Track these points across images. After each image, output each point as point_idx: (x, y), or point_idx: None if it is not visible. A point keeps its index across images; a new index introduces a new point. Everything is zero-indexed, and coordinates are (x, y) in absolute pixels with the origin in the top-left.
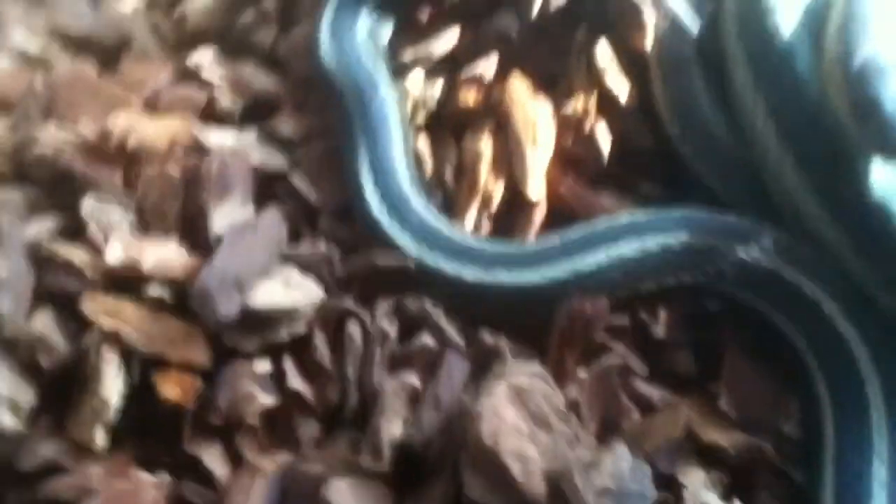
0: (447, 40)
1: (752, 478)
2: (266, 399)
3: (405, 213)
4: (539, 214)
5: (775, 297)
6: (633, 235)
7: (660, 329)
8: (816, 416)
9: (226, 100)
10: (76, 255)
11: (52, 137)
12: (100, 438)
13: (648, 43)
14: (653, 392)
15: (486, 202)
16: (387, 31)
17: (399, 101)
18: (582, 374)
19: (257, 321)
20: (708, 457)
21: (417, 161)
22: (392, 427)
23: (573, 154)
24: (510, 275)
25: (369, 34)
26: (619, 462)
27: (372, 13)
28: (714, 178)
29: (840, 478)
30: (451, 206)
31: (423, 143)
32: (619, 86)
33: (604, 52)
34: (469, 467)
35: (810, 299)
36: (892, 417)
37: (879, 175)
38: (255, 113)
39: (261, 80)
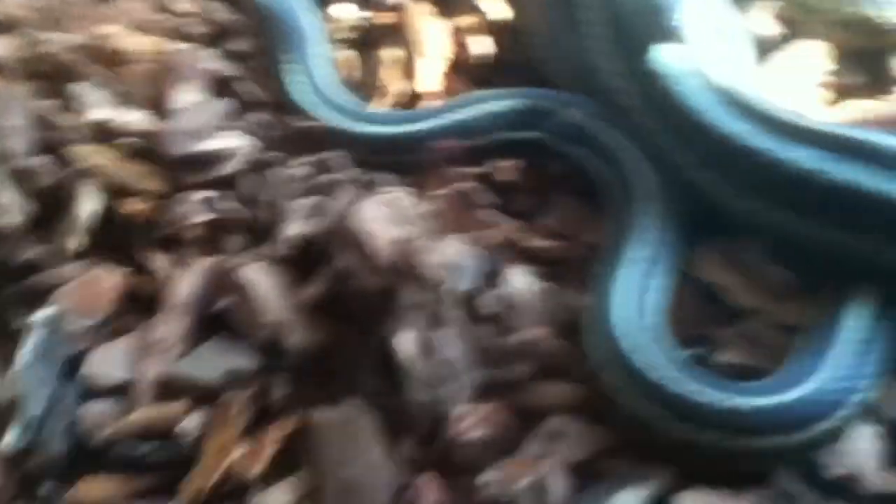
0: None
1: (565, 271)
2: (204, 216)
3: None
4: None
5: (590, 147)
6: (487, 101)
7: (504, 172)
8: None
9: (194, 26)
10: (67, 118)
11: (56, 40)
12: (72, 244)
13: None
14: (497, 217)
15: (392, 95)
16: None
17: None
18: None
19: (201, 162)
20: (530, 255)
21: (344, 65)
22: (292, 227)
23: (464, 61)
24: (394, 128)
25: None
26: (456, 245)
27: None
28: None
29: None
30: (369, 100)
31: (351, 53)
32: (499, 10)
33: None
34: (343, 245)
35: (612, 147)
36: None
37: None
38: (218, 37)
39: (222, 12)
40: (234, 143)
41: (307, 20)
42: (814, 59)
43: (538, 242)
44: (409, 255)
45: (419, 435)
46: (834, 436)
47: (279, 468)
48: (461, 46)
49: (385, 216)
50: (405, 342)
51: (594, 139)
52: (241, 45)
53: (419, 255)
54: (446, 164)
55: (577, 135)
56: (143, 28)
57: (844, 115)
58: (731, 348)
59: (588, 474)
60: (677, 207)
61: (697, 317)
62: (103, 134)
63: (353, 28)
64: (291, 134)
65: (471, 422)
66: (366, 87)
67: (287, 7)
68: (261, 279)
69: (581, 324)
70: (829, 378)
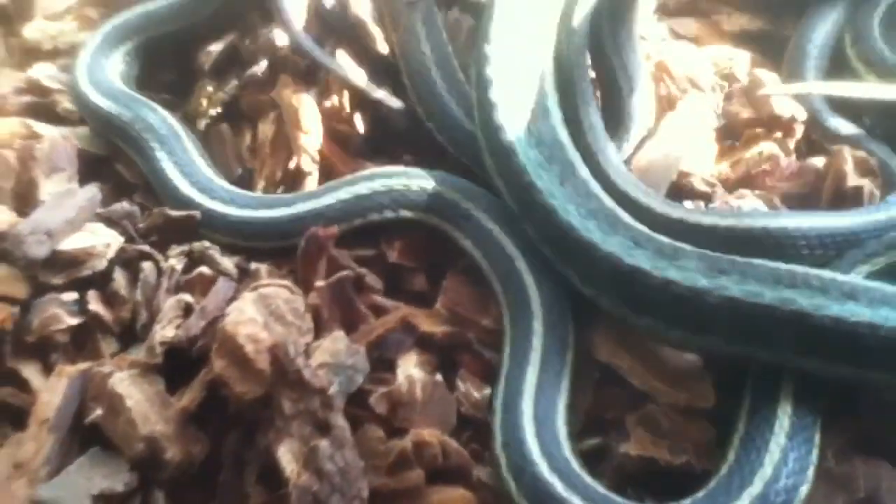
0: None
1: (455, 357)
2: (71, 320)
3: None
4: (313, 180)
5: (465, 228)
6: (376, 180)
7: (393, 254)
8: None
9: (62, 104)
10: None
11: None
12: None
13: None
14: (387, 303)
15: (272, 173)
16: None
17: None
18: (323, 283)
19: (64, 261)
20: (424, 344)
21: (217, 143)
22: (166, 331)
23: (339, 134)
24: (268, 212)
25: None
26: (337, 343)
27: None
28: (449, 146)
29: (511, 351)
30: (249, 178)
31: (225, 130)
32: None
33: (343, 58)
34: (217, 350)
35: (487, 229)
36: (543, 299)
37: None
38: None
39: None
40: (102, 238)
41: (152, 118)
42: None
43: (433, 328)
44: (289, 358)
45: None
46: None
47: None
48: (338, 120)
49: (262, 317)
50: (288, 454)
51: (469, 219)
52: None
53: (300, 358)
54: (329, 247)
55: (453, 214)
56: (6, 108)
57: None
58: (634, 439)
59: None
60: (557, 292)
61: (602, 400)
62: None
63: (223, 103)
64: (167, 224)
65: None
66: (240, 161)
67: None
68: (133, 390)
69: (492, 420)
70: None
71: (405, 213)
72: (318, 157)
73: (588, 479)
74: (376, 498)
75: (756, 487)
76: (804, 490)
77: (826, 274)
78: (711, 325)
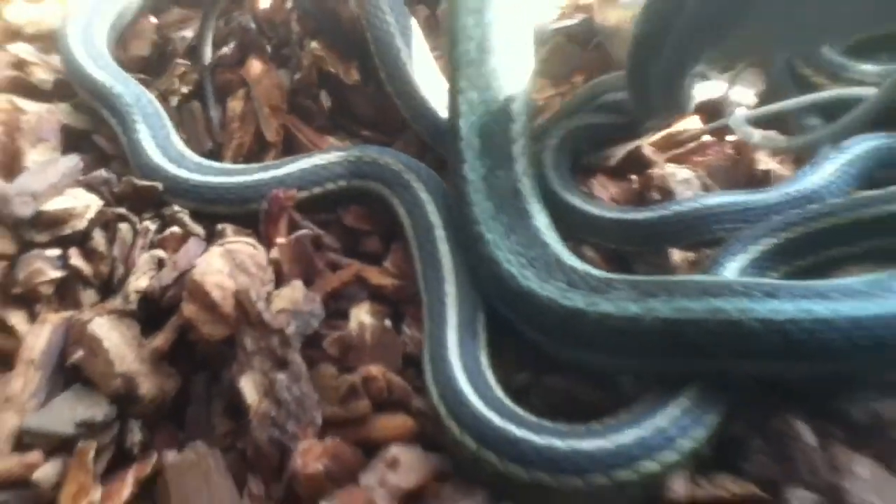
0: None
1: (402, 308)
2: (54, 273)
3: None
4: (277, 152)
5: (402, 196)
6: (330, 153)
7: (349, 219)
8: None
9: (43, 78)
10: None
11: None
12: None
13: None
14: (343, 260)
15: (239, 146)
16: None
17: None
18: (284, 240)
19: (48, 221)
20: (375, 297)
21: (189, 119)
22: (140, 282)
23: (304, 109)
24: (232, 178)
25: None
26: (295, 291)
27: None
28: (406, 113)
29: (426, 289)
30: (219, 151)
31: (196, 107)
32: (337, 65)
33: (316, 45)
34: (187, 297)
35: (420, 199)
36: (455, 265)
37: None
38: (69, 90)
39: None
40: (82, 201)
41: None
42: None
43: (383, 281)
44: (251, 303)
45: (266, 471)
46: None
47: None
48: (305, 98)
49: (228, 268)
50: (250, 385)
51: (407, 189)
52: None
53: (261, 302)
54: (289, 208)
55: (395, 184)
56: None
57: None
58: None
59: (419, 500)
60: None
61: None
62: None
63: (194, 82)
64: (137, 192)
65: (313, 456)
66: (213, 138)
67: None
68: (111, 333)
69: (424, 361)
70: (631, 438)
71: (355, 182)
72: (282, 131)
73: (519, 409)
74: (328, 425)
75: (642, 430)
76: (685, 444)
77: (748, 280)
78: (652, 348)
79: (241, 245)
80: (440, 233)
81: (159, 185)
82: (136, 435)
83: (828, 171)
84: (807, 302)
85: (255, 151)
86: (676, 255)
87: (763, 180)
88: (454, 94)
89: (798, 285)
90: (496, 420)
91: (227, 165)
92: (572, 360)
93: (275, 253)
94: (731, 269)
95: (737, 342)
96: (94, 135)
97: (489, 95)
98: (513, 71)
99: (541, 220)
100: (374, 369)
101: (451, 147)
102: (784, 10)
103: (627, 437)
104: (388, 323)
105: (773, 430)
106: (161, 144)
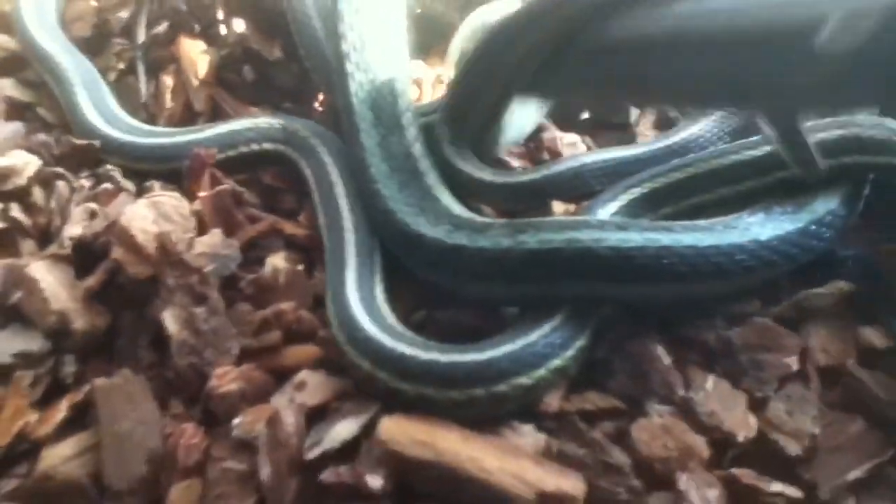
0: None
1: (314, 255)
2: None
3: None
4: (203, 121)
5: (308, 158)
6: (246, 119)
7: (267, 178)
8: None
9: None
10: None
11: None
12: None
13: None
14: (261, 214)
15: (170, 115)
16: None
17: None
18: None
19: None
20: (289, 246)
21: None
22: (74, 230)
23: (230, 83)
24: (160, 139)
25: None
26: (214, 238)
27: None
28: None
29: (328, 237)
30: (152, 121)
31: (132, 82)
32: (260, 43)
33: (241, 25)
34: (115, 242)
35: (323, 161)
36: (353, 218)
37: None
38: (12, 66)
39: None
40: (23, 160)
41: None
42: None
43: (296, 231)
44: (172, 244)
45: (186, 395)
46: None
47: (69, 430)
48: (226, 73)
49: (152, 216)
50: (171, 317)
51: (312, 153)
52: (33, 75)
53: (182, 244)
54: (209, 164)
55: (301, 147)
56: None
57: None
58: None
59: (323, 415)
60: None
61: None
62: None
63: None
64: (74, 150)
65: (228, 379)
66: (147, 109)
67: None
68: (46, 275)
69: (326, 298)
70: (506, 354)
71: (267, 145)
72: (210, 102)
73: (410, 333)
74: (244, 356)
75: (516, 348)
76: (554, 361)
77: (604, 218)
78: (523, 276)
79: (166, 198)
80: (340, 190)
81: (96, 143)
82: (69, 367)
83: (694, 129)
84: (653, 233)
85: (186, 120)
86: (558, 207)
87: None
88: (344, 77)
89: (647, 222)
90: (387, 342)
91: (157, 128)
92: (459, 293)
93: (197, 205)
94: (603, 216)
95: (592, 268)
96: (38, 107)
97: (374, 76)
98: (391, 56)
99: (431, 179)
100: (285, 305)
101: (347, 121)
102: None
103: (503, 353)
104: (300, 267)
105: (633, 352)
106: (99, 108)
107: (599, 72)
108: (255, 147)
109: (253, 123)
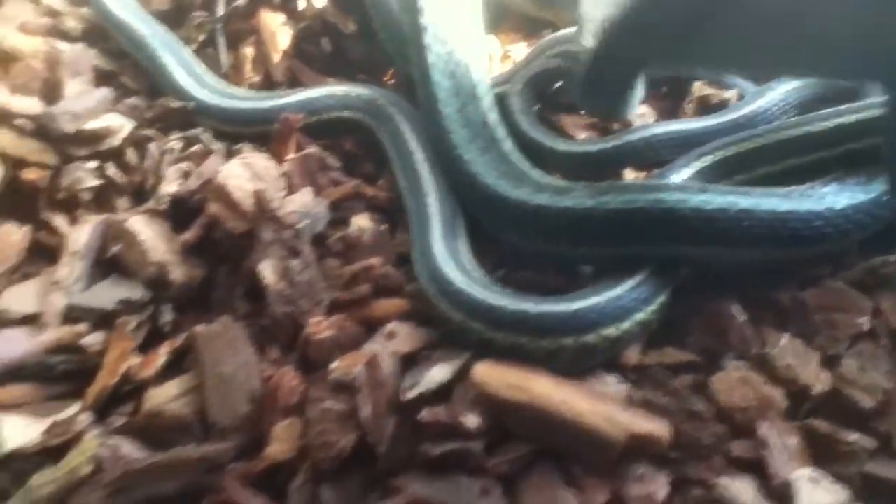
0: None
1: (395, 217)
2: (93, 181)
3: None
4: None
5: (386, 126)
6: (325, 87)
7: (347, 144)
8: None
9: (71, 24)
10: None
11: None
12: None
13: None
14: (343, 178)
15: (251, 86)
16: None
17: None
18: (294, 156)
19: (87, 137)
20: (371, 208)
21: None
22: (170, 187)
23: (307, 54)
24: (272, 101)
25: None
26: (304, 196)
27: None
28: (400, 64)
29: (411, 200)
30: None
31: (211, 53)
32: (337, 17)
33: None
34: (212, 198)
35: (400, 129)
36: (435, 182)
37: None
38: (95, 37)
39: None
40: (116, 122)
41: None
42: None
43: (377, 194)
44: (267, 201)
45: (282, 342)
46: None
47: (169, 373)
48: (305, 45)
49: (247, 174)
50: (267, 269)
51: (390, 121)
52: (115, 46)
53: (276, 201)
54: (296, 128)
55: (379, 115)
56: (28, 30)
57: None
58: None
59: (414, 362)
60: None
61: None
62: (1, 117)
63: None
64: (166, 113)
65: (323, 327)
66: (227, 79)
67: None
68: (145, 228)
69: (413, 255)
70: (593, 306)
71: (346, 113)
72: (288, 73)
73: (498, 286)
74: (334, 308)
75: (603, 301)
76: (638, 315)
77: (686, 182)
78: (604, 236)
79: (258, 158)
80: (419, 156)
81: (190, 104)
82: (167, 315)
83: (761, 102)
84: (733, 196)
85: (265, 90)
86: (629, 175)
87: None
88: (422, 50)
89: (726, 186)
90: (478, 294)
91: (244, 91)
92: (539, 253)
93: (286, 167)
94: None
95: (673, 229)
96: (121, 76)
97: (451, 49)
98: (468, 30)
99: (508, 146)
100: (374, 260)
101: (425, 92)
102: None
103: (591, 305)
104: (383, 227)
105: (712, 310)
106: (189, 72)
107: (743, 40)
108: (334, 114)
109: (332, 91)
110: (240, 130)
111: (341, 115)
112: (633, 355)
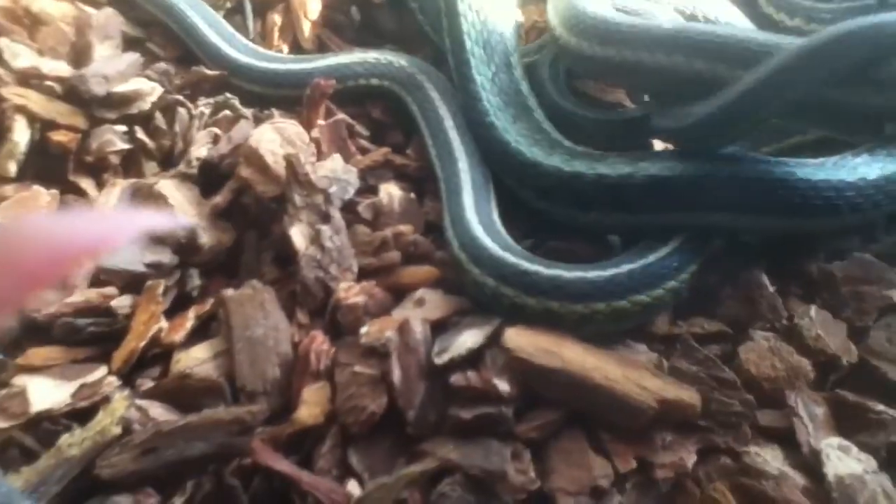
0: None
1: (423, 185)
2: (122, 145)
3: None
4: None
5: (415, 95)
6: (354, 54)
7: (376, 112)
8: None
9: None
10: None
11: None
12: (11, 169)
13: None
14: (371, 146)
15: (278, 52)
16: None
17: None
18: (323, 123)
19: (117, 100)
20: (400, 176)
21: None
22: (199, 151)
23: (337, 23)
24: (300, 65)
25: None
26: (335, 162)
27: None
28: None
29: (441, 168)
30: None
31: (239, 20)
32: None
33: None
34: (243, 161)
35: (430, 97)
36: (466, 148)
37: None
38: (123, 6)
39: None
40: (146, 86)
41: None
42: None
43: (406, 163)
44: (300, 165)
45: (311, 307)
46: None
47: (195, 339)
48: (334, 13)
49: (278, 139)
50: (298, 233)
51: (419, 89)
52: (143, 13)
53: (308, 166)
54: (327, 94)
55: (408, 83)
56: None
57: None
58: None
59: (444, 328)
60: (475, 146)
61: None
62: (31, 79)
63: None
64: (199, 80)
65: (354, 292)
66: (256, 40)
67: None
68: (174, 192)
69: (444, 222)
70: (627, 273)
71: (374, 81)
72: (316, 41)
73: (529, 253)
74: (363, 274)
75: (636, 268)
76: (670, 283)
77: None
78: (640, 204)
79: (288, 124)
80: (450, 123)
81: (224, 72)
82: (195, 280)
83: None
84: (769, 165)
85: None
86: (658, 145)
87: None
88: (456, 18)
89: (763, 156)
90: (511, 259)
91: (276, 53)
92: (571, 222)
93: (315, 133)
94: None
95: (710, 196)
96: (148, 42)
97: (485, 18)
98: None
99: (539, 114)
100: (404, 227)
101: (458, 59)
102: None
103: (625, 271)
104: (412, 195)
105: (741, 280)
106: (223, 37)
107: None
108: (362, 82)
109: (363, 58)
110: (268, 92)
111: (370, 83)
112: (661, 325)
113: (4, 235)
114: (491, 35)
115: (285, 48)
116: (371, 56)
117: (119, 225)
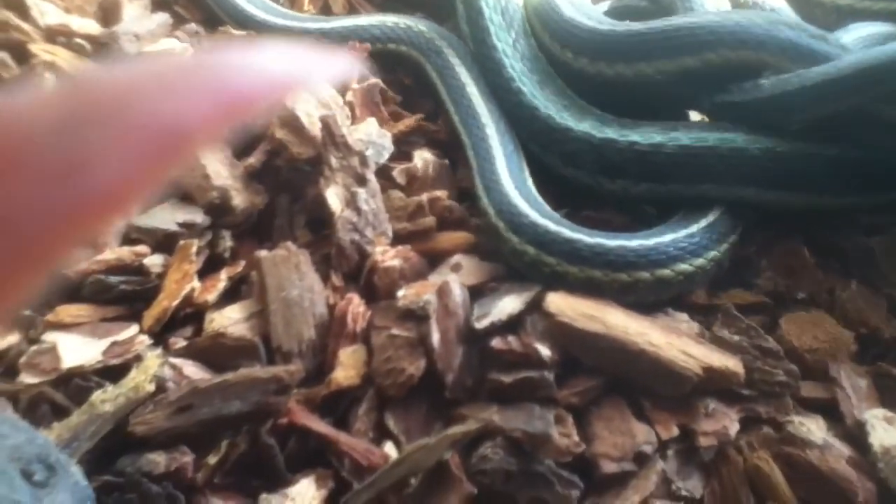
0: None
1: (456, 153)
2: None
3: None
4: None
5: (434, 61)
6: (374, 17)
7: (408, 80)
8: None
9: None
10: (25, 24)
11: None
12: None
13: None
14: (404, 113)
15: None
16: None
17: None
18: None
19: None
20: (432, 143)
21: None
22: None
23: None
24: (317, 24)
25: None
26: (370, 126)
27: None
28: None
29: (468, 134)
30: None
31: None
32: None
33: None
34: (278, 122)
35: (451, 63)
36: (492, 114)
37: None
38: None
39: None
40: (176, 46)
41: None
42: None
43: (439, 129)
44: (336, 125)
45: (346, 270)
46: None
47: (229, 299)
48: None
49: (313, 101)
50: (334, 196)
51: (439, 55)
52: None
53: (344, 127)
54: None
55: (427, 49)
56: None
57: None
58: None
59: (481, 293)
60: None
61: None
62: (60, 36)
63: None
64: (224, 40)
65: (390, 256)
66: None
67: None
68: (206, 153)
69: (477, 190)
70: (670, 242)
71: (391, 46)
72: (347, 6)
73: (568, 221)
74: (398, 239)
75: (679, 237)
76: (712, 252)
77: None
78: (670, 173)
79: (321, 87)
80: (472, 89)
81: (252, 34)
82: (227, 242)
83: None
84: (803, 142)
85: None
86: (695, 116)
87: None
88: None
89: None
90: (552, 227)
91: (303, 14)
92: (599, 188)
93: (349, 97)
94: None
95: (740, 168)
96: (175, 5)
97: None
98: None
99: (561, 81)
100: (439, 192)
101: (477, 27)
102: None
103: (668, 240)
104: (446, 161)
105: (780, 252)
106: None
107: None
108: (378, 46)
109: (381, 20)
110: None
111: (387, 48)
112: (701, 295)
113: (202, 62)
114: (508, 2)
115: (313, 12)
116: (390, 20)
117: (310, 63)
